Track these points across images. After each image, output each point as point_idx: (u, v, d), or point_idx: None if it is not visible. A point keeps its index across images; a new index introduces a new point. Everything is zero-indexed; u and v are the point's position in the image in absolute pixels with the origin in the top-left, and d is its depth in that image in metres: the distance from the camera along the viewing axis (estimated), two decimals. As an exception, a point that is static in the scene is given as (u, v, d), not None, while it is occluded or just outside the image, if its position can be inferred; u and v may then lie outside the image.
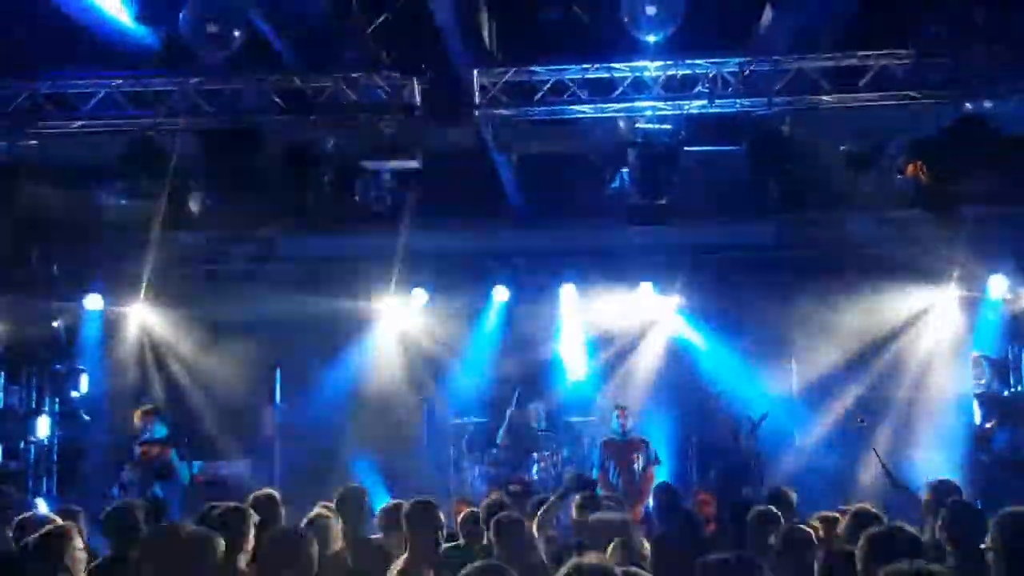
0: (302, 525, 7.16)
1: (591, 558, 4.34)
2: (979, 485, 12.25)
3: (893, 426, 14.04)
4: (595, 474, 12.69)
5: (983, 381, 13.70)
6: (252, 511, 6.59)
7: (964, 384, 13.90)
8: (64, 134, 10.95)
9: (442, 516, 6.86)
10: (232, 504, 6.74)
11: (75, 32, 9.84)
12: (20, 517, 7.86)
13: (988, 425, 13.55)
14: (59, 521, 7.25)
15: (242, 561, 6.19)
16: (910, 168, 10.73)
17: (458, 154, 11.85)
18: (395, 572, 6.48)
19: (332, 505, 7.82)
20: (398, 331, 15.84)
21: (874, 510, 7.28)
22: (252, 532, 6.36)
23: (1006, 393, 13.70)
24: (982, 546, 4.86)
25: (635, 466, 12.96)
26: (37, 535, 6.47)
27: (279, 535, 5.56)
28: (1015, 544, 4.70)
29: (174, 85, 10.61)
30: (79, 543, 6.22)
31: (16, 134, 10.88)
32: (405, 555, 6.57)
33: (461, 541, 8.34)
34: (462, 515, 8.72)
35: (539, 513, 8.24)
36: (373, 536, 8.35)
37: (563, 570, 4.09)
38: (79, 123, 10.79)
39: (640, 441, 13.16)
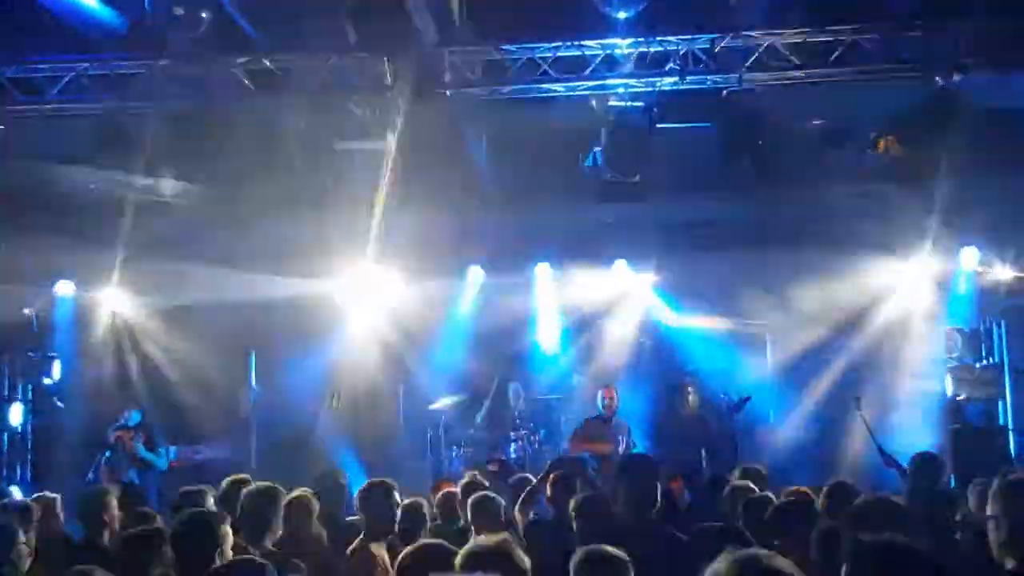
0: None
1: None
2: (953, 456, 12.35)
3: (867, 398, 14.09)
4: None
5: (955, 354, 13.78)
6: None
7: (937, 356, 13.97)
8: (31, 118, 10.85)
9: (397, 496, 6.91)
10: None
11: (40, 15, 9.74)
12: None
13: (961, 396, 13.64)
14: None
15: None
16: (882, 143, 10.77)
17: (431, 133, 11.80)
18: (350, 550, 6.53)
19: (311, 489, 7.83)
20: (373, 313, 15.78)
21: (850, 482, 7.35)
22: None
23: (978, 365, 13.79)
24: (988, 513, 4.87)
25: (619, 448, 13.00)
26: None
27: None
28: (1010, 511, 4.71)
29: (142, 68, 10.51)
30: (22, 537, 6.21)
31: (-17, 119, 10.78)
32: (360, 535, 6.63)
33: (439, 521, 8.36)
34: (439, 496, 8.74)
35: (522, 495, 8.27)
36: (351, 518, 8.36)
37: None
38: (46, 107, 10.70)
39: (624, 424, 13.22)
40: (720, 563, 3.17)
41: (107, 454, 12.58)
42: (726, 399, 13.50)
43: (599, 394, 13.14)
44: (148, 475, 12.75)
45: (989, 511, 4.84)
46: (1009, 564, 4.43)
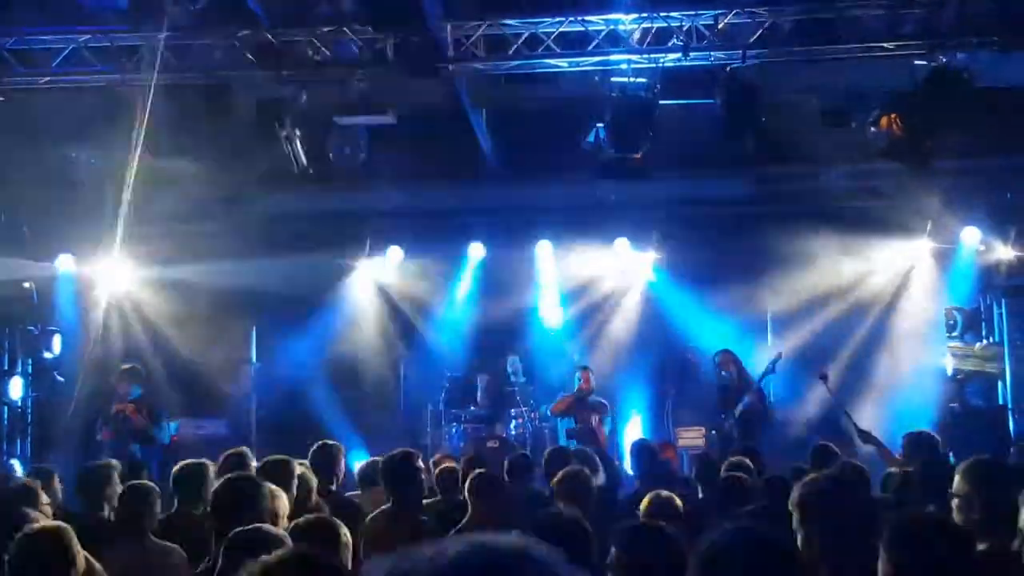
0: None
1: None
2: (952, 435, 12.35)
3: (867, 378, 14.11)
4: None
5: (956, 332, 13.78)
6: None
7: (937, 335, 13.98)
8: (31, 91, 10.81)
9: (421, 468, 7.00)
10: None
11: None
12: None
13: (961, 375, 13.66)
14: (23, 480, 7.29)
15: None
16: (884, 121, 10.73)
17: (432, 110, 11.77)
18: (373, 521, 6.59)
19: (307, 463, 7.85)
20: (374, 289, 15.80)
21: (857, 463, 7.38)
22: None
23: (978, 344, 13.79)
24: (953, 492, 4.87)
25: (592, 426, 13.16)
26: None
27: (234, 480, 5.58)
28: (982, 492, 4.71)
29: (142, 40, 10.46)
30: (45, 499, 6.23)
31: (-18, 91, 10.74)
32: (387, 506, 6.67)
33: (439, 496, 8.39)
34: (439, 470, 8.77)
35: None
36: (350, 493, 8.39)
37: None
38: (46, 79, 10.65)
39: (601, 403, 13.40)
40: (715, 535, 3.17)
41: (101, 426, 12.60)
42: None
43: (576, 375, 13.58)
44: (149, 449, 12.76)
45: (953, 491, 4.84)
46: (981, 546, 4.40)
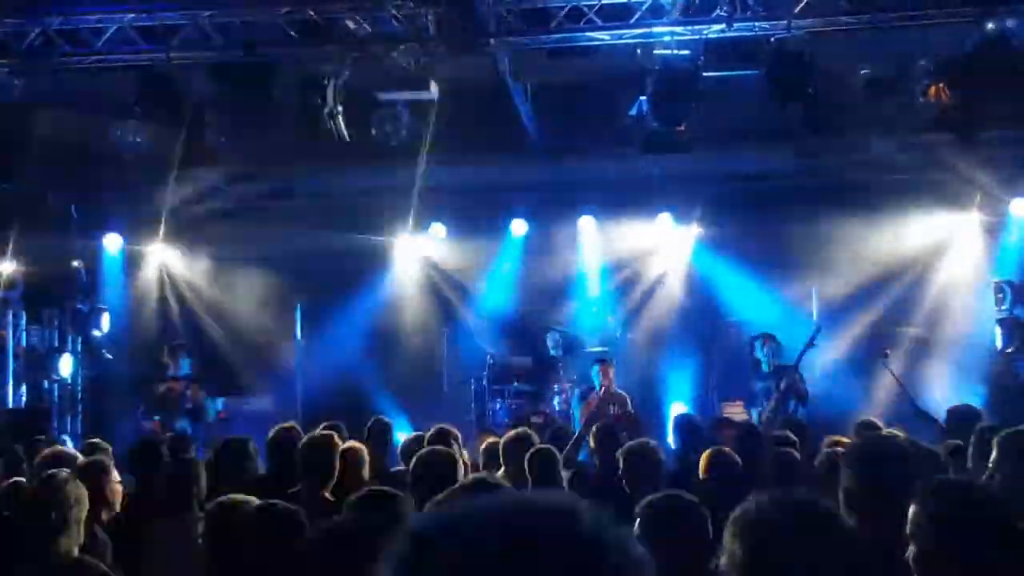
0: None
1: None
2: (1001, 409, 12.19)
3: (914, 351, 13.95)
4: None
5: (1005, 306, 13.61)
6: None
7: (986, 309, 13.80)
8: (78, 70, 10.91)
9: (456, 447, 7.08)
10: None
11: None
12: (45, 452, 7.91)
13: (1010, 350, 13.48)
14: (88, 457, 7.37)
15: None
16: (933, 90, 10.56)
17: (474, 84, 11.72)
18: None
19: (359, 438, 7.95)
20: (417, 266, 15.84)
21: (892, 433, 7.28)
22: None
23: (1028, 321, 13.61)
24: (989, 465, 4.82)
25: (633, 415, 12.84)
26: (73, 469, 6.55)
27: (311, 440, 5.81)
28: (1007, 463, 4.65)
29: (186, 18, 10.52)
30: (116, 475, 6.32)
31: (30, 71, 10.84)
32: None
33: (483, 472, 8.42)
34: (484, 445, 8.81)
35: (567, 449, 8.33)
36: (396, 469, 8.44)
37: None
38: (92, 59, 10.74)
39: (619, 395, 12.83)
40: (753, 502, 3.11)
41: (146, 406, 12.77)
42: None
43: (594, 369, 13.07)
44: (196, 426, 12.93)
45: (991, 465, 4.77)
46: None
